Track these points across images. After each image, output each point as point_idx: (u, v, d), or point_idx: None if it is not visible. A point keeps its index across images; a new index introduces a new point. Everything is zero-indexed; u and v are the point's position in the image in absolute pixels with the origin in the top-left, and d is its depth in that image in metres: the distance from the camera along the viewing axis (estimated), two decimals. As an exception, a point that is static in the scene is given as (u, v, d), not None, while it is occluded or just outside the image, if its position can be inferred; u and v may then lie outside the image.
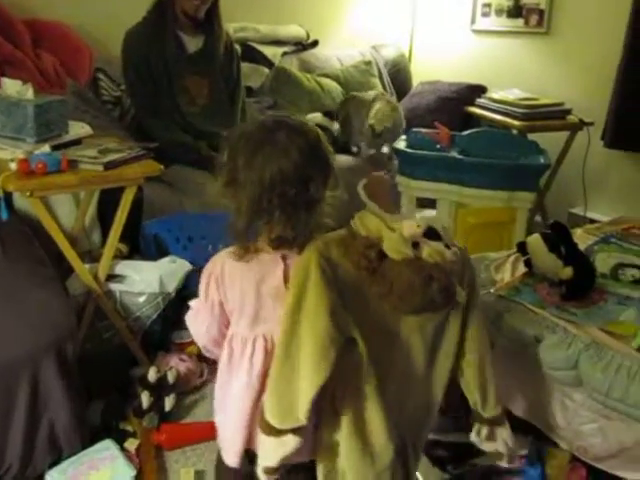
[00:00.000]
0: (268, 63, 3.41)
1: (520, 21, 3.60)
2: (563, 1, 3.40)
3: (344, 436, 1.16)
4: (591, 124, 3.05)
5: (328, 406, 1.17)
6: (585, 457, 1.42)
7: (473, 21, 3.90)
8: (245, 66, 3.26)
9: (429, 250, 1.06)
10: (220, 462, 1.33)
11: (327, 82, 3.45)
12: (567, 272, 1.54)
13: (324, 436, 1.20)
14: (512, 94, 3.24)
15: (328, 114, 3.13)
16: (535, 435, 1.52)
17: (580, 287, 1.55)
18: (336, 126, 3.15)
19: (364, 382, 1.13)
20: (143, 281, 2.01)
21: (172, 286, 2.05)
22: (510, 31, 3.68)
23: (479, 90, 3.41)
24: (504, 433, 1.25)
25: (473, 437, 1.26)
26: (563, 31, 3.43)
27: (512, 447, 1.26)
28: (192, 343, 2.16)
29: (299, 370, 1.09)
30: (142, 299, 2.01)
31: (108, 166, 1.81)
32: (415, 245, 1.06)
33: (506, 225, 2.68)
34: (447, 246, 1.08)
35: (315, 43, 3.72)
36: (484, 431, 1.25)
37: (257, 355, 1.19)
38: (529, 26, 3.56)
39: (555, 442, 1.48)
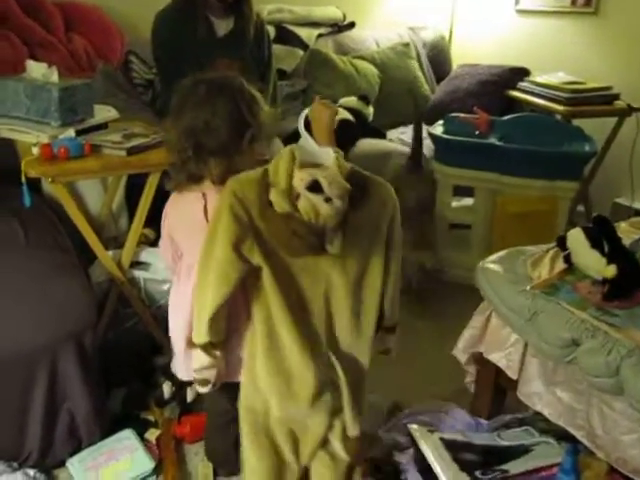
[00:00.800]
0: (303, 45, 3.32)
1: (567, 0, 3.43)
2: (614, -20, 3.23)
3: (260, 357, 1.28)
4: (639, 110, 2.89)
5: (243, 328, 1.33)
6: (624, 469, 1.33)
7: (517, 1, 3.74)
8: (279, 48, 3.18)
9: (304, 205, 1.15)
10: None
11: (363, 65, 3.34)
12: (610, 270, 1.44)
13: (243, 356, 1.34)
14: (557, 78, 3.10)
15: (363, 97, 3.04)
16: (571, 443, 1.43)
17: (624, 287, 1.45)
18: (371, 110, 3.05)
19: (275, 308, 1.24)
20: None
21: (197, 274, 2.01)
22: (556, 11, 3.51)
23: (522, 73, 3.27)
24: (393, 339, 1.42)
25: (375, 342, 1.35)
26: (612, 12, 3.26)
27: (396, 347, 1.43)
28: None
29: (207, 291, 1.24)
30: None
31: (131, 151, 1.77)
32: (297, 197, 1.16)
33: (547, 215, 2.56)
34: (329, 199, 1.14)
35: (352, 25, 3.61)
36: (383, 336, 1.39)
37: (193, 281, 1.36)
38: (576, 6, 3.40)
39: (592, 452, 1.39)
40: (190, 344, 1.32)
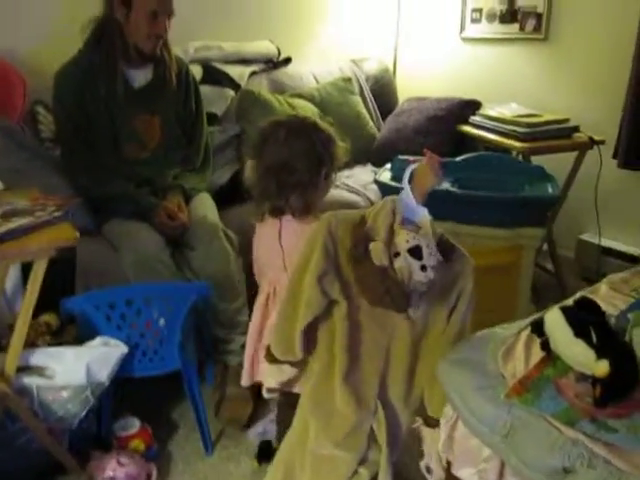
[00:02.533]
0: (234, 85, 3.02)
1: (515, 27, 3.24)
2: (563, 3, 3.03)
3: (312, 384, 1.38)
4: (602, 142, 2.66)
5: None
6: None
7: (462, 28, 3.53)
8: (208, 90, 2.88)
9: (401, 266, 1.19)
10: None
11: (301, 103, 3.06)
12: (602, 368, 1.14)
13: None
14: (510, 110, 2.86)
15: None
16: None
17: (620, 387, 1.16)
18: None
19: (338, 344, 1.33)
20: (66, 372, 1.62)
21: (104, 374, 1.67)
22: (504, 38, 3.31)
23: (473, 106, 3.03)
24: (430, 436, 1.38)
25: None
26: (564, 37, 3.06)
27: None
28: (137, 436, 1.78)
29: (296, 314, 1.32)
30: (66, 394, 1.62)
31: (4, 238, 1.42)
32: (396, 254, 1.20)
33: (511, 267, 2.29)
34: (423, 267, 1.19)
35: (288, 60, 3.33)
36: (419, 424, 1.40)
37: (262, 295, 1.64)
38: (525, 32, 3.20)
39: None
40: (272, 359, 1.40)
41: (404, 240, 1.20)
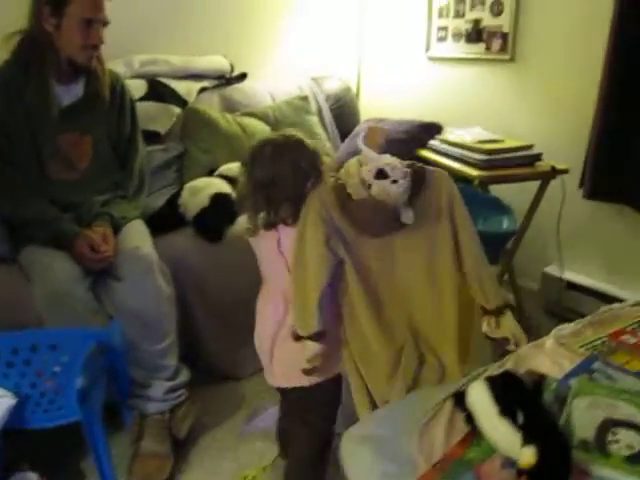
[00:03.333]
0: (181, 102, 2.84)
1: (481, 46, 3.08)
2: (529, 23, 2.88)
3: (351, 339, 1.51)
4: (565, 172, 2.50)
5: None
6: None
7: (428, 47, 3.38)
8: (151, 106, 2.71)
9: (376, 191, 1.38)
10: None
11: (253, 123, 2.88)
12: (528, 456, 0.96)
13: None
14: (471, 134, 2.70)
15: (247, 164, 2.56)
16: None
17: (549, 478, 0.97)
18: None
19: (355, 295, 1.48)
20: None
21: (-15, 431, 1.46)
22: (470, 58, 3.16)
23: (433, 129, 2.86)
24: (507, 320, 1.50)
25: (484, 328, 1.50)
26: (530, 57, 2.91)
27: (516, 332, 1.49)
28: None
29: (308, 286, 1.43)
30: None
31: None
32: (369, 186, 1.39)
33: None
34: (394, 181, 1.38)
35: (242, 76, 3.16)
36: (492, 322, 1.50)
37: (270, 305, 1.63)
38: (491, 52, 3.04)
39: None
40: (298, 338, 1.47)
41: (367, 171, 1.39)
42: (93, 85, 2.15)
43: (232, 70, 3.11)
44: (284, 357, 1.58)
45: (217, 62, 3.08)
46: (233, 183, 2.45)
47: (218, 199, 2.30)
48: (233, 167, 2.55)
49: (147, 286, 1.94)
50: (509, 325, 1.50)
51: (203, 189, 2.34)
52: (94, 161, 2.17)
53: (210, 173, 2.56)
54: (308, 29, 3.48)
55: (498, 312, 1.51)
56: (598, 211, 2.67)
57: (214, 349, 2.30)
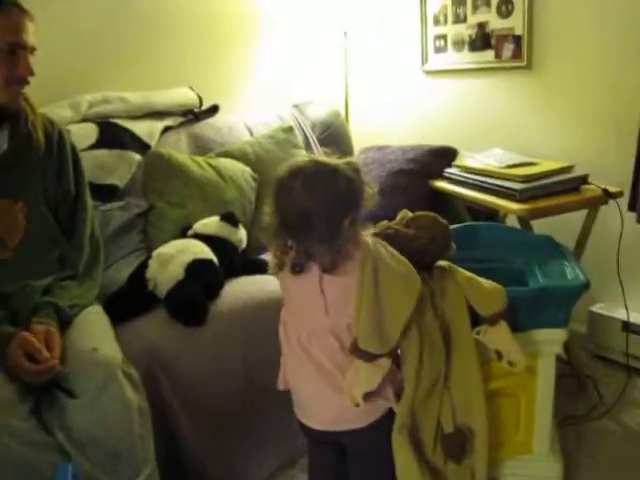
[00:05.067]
0: (142, 146, 2.34)
1: (489, 54, 2.64)
2: (546, 22, 2.44)
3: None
4: (619, 195, 2.05)
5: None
6: None
7: (425, 60, 2.93)
8: (105, 155, 2.23)
9: None
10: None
11: (230, 165, 2.39)
12: None
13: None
14: (495, 158, 2.25)
15: (228, 217, 2.07)
16: None
17: None
18: (242, 233, 2.09)
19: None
20: None
21: None
22: (477, 68, 2.71)
23: (447, 155, 2.43)
24: (502, 332, 1.46)
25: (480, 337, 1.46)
26: (551, 62, 2.47)
27: (511, 348, 1.46)
28: None
29: (386, 310, 1.34)
30: None
31: None
32: None
33: (520, 387, 1.64)
34: None
35: (214, 109, 2.68)
36: (486, 331, 1.46)
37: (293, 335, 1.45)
38: (502, 60, 2.60)
39: None
40: (368, 357, 1.33)
41: None
42: (22, 133, 1.65)
43: (201, 103, 2.62)
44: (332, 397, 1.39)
45: (182, 95, 2.59)
46: (213, 243, 1.97)
47: (196, 268, 1.80)
48: (211, 222, 2.07)
49: (110, 401, 1.42)
50: (503, 338, 1.45)
51: (176, 256, 1.84)
52: (29, 234, 1.65)
53: (183, 233, 2.06)
54: (284, 50, 3.02)
55: (492, 321, 1.45)
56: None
57: (201, 457, 1.77)
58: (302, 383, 1.45)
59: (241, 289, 1.90)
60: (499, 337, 1.45)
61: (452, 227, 1.84)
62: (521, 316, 1.56)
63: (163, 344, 1.70)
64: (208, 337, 1.74)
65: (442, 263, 1.49)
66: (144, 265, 1.87)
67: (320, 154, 2.77)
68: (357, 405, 1.34)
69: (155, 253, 1.88)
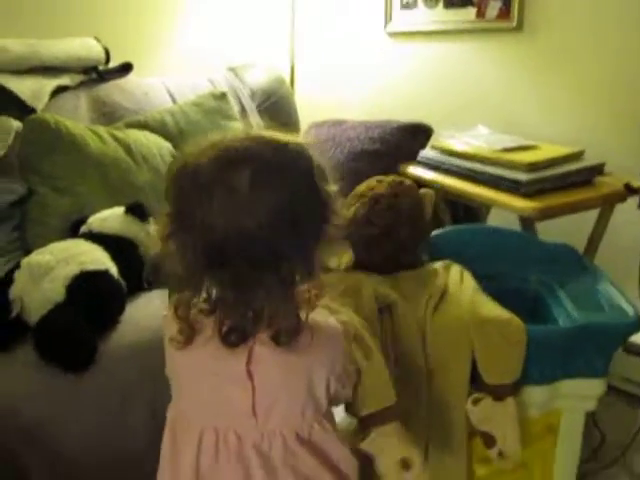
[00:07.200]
0: (25, 110, 1.77)
1: (470, 12, 2.16)
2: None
3: None
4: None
5: None
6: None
7: (388, 19, 2.43)
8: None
9: None
10: None
11: (143, 139, 1.84)
12: None
13: None
14: (483, 139, 1.78)
15: (135, 209, 1.53)
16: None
17: None
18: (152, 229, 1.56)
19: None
20: None
21: None
22: (454, 29, 2.23)
23: (421, 133, 1.94)
24: (505, 414, 1.07)
25: (469, 406, 1.09)
26: (545, 23, 2.02)
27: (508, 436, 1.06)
28: None
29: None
30: None
31: None
32: None
33: (536, 454, 1.18)
34: None
35: (126, 68, 2.11)
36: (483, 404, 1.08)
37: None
38: (486, 19, 2.13)
39: None
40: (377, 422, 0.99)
41: None
42: None
43: (108, 59, 2.05)
44: None
45: (83, 47, 2.01)
46: (113, 245, 1.43)
47: (83, 285, 1.26)
48: (113, 216, 1.52)
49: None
50: (504, 421, 1.06)
51: (55, 267, 1.29)
52: None
53: (74, 230, 1.52)
54: (220, 3, 2.46)
55: (497, 395, 1.07)
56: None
57: None
58: None
59: (151, 312, 1.36)
60: (499, 418, 1.07)
61: (436, 232, 1.39)
62: (546, 362, 1.10)
63: (27, 402, 1.15)
64: (97, 388, 1.20)
65: (442, 264, 1.23)
66: (8, 279, 1.31)
67: (260, 128, 2.28)
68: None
69: (25, 262, 1.32)
